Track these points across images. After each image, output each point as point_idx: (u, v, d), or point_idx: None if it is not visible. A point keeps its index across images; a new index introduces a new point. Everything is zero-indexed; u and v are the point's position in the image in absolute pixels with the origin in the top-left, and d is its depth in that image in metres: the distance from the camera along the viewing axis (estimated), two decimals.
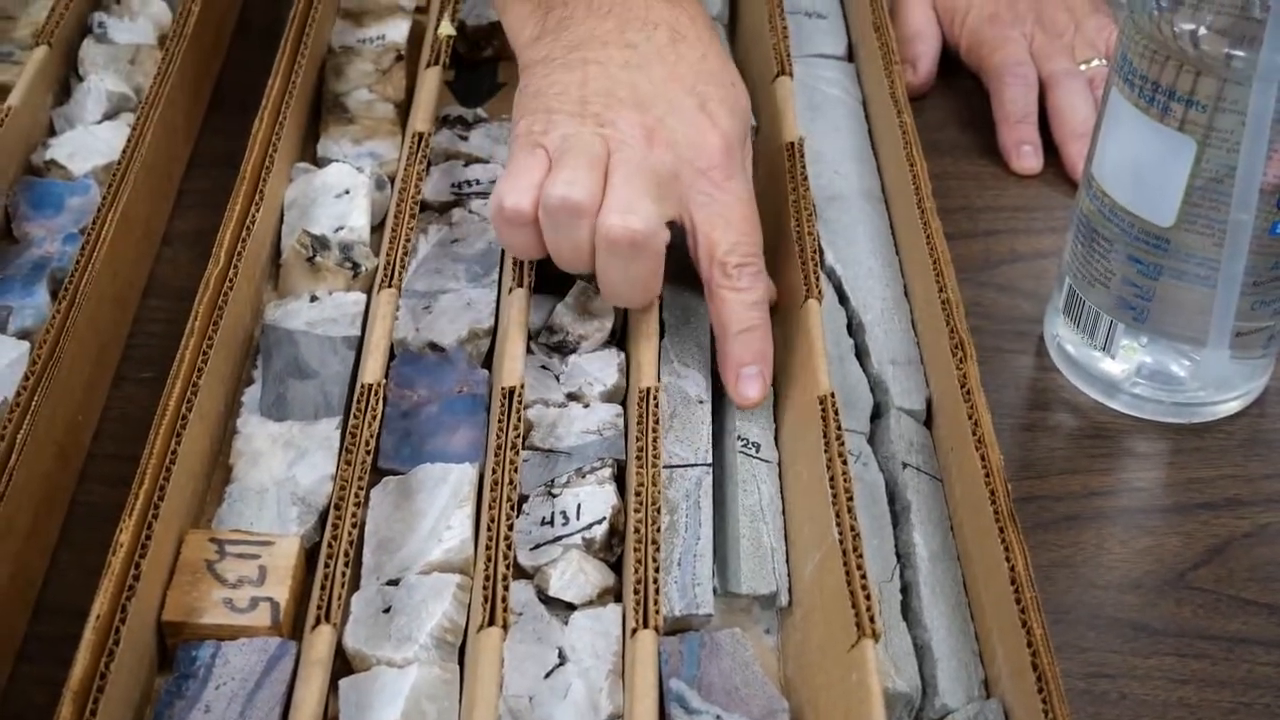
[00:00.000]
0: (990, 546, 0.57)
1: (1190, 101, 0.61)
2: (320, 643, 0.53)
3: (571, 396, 0.66)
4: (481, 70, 0.88)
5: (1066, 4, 0.89)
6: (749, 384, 0.64)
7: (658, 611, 0.54)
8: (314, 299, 0.70)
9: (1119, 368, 0.70)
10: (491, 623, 0.53)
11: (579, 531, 0.60)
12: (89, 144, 0.78)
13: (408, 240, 0.69)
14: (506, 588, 0.54)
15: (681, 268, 0.67)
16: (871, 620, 0.52)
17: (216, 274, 0.66)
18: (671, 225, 0.64)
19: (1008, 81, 0.86)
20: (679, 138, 0.65)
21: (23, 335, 0.68)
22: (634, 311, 0.67)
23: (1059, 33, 0.88)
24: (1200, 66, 0.60)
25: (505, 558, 0.55)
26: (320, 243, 0.72)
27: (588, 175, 0.62)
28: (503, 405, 0.61)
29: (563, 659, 0.56)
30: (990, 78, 0.88)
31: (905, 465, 0.64)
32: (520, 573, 0.59)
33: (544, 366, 0.67)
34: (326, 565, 0.55)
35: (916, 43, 0.90)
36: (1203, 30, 0.60)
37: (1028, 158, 0.84)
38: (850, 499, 0.57)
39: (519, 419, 0.61)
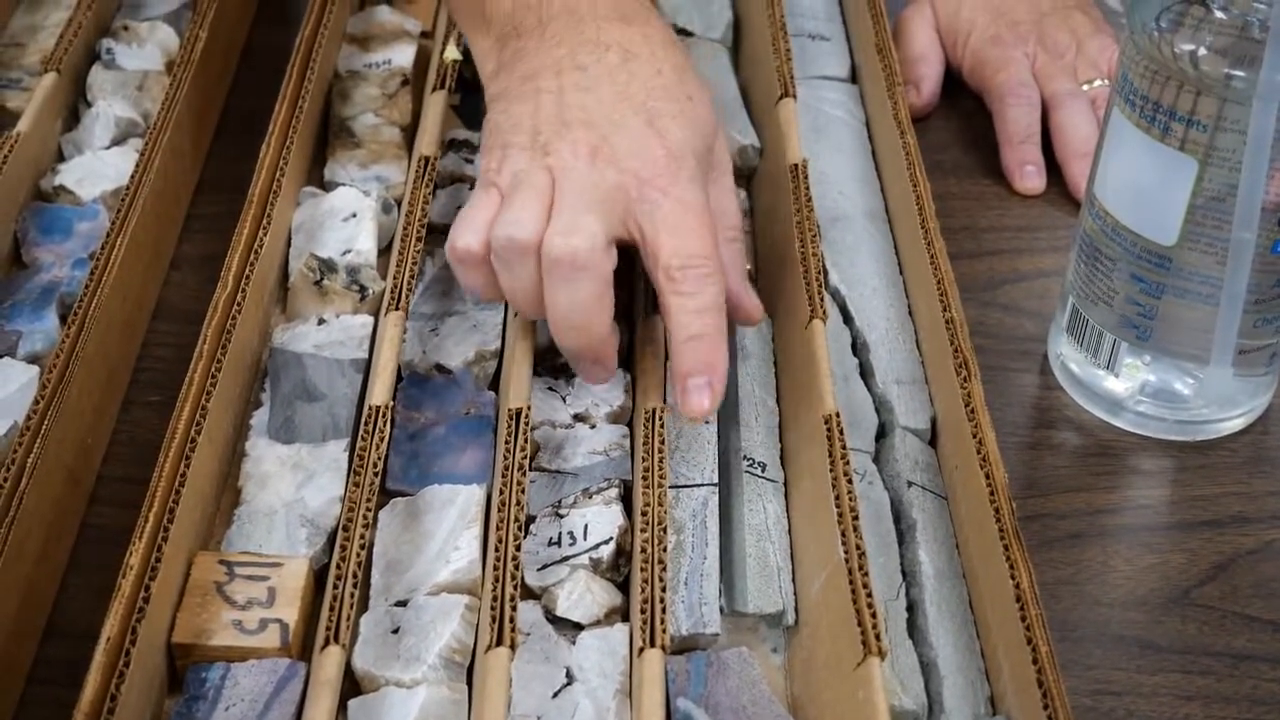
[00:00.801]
0: (995, 564, 0.57)
1: (1191, 121, 0.62)
2: (329, 664, 0.54)
3: (578, 417, 0.66)
4: None
5: (1069, 25, 0.90)
6: (695, 395, 0.61)
7: (665, 631, 0.54)
8: (321, 322, 0.70)
9: (1123, 386, 0.70)
10: (499, 643, 0.54)
11: (586, 552, 0.60)
12: (98, 169, 0.79)
13: (414, 263, 0.70)
14: (514, 608, 0.55)
15: None
16: (878, 638, 0.53)
17: (224, 298, 0.67)
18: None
19: (1010, 102, 0.86)
20: (621, 152, 0.64)
21: (32, 360, 0.68)
22: (640, 333, 0.68)
23: (1060, 53, 0.88)
24: (1200, 86, 0.61)
25: (513, 578, 0.55)
26: (328, 266, 0.72)
27: (532, 212, 0.62)
28: (509, 426, 0.62)
29: (570, 678, 0.56)
30: (993, 99, 0.88)
31: (910, 484, 0.64)
32: (528, 593, 0.59)
33: (550, 388, 0.67)
34: (335, 586, 0.56)
35: (920, 65, 0.91)
36: (1202, 51, 0.61)
37: (1031, 178, 0.84)
38: (856, 518, 0.57)
39: (526, 440, 0.61)
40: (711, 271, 0.62)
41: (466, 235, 0.64)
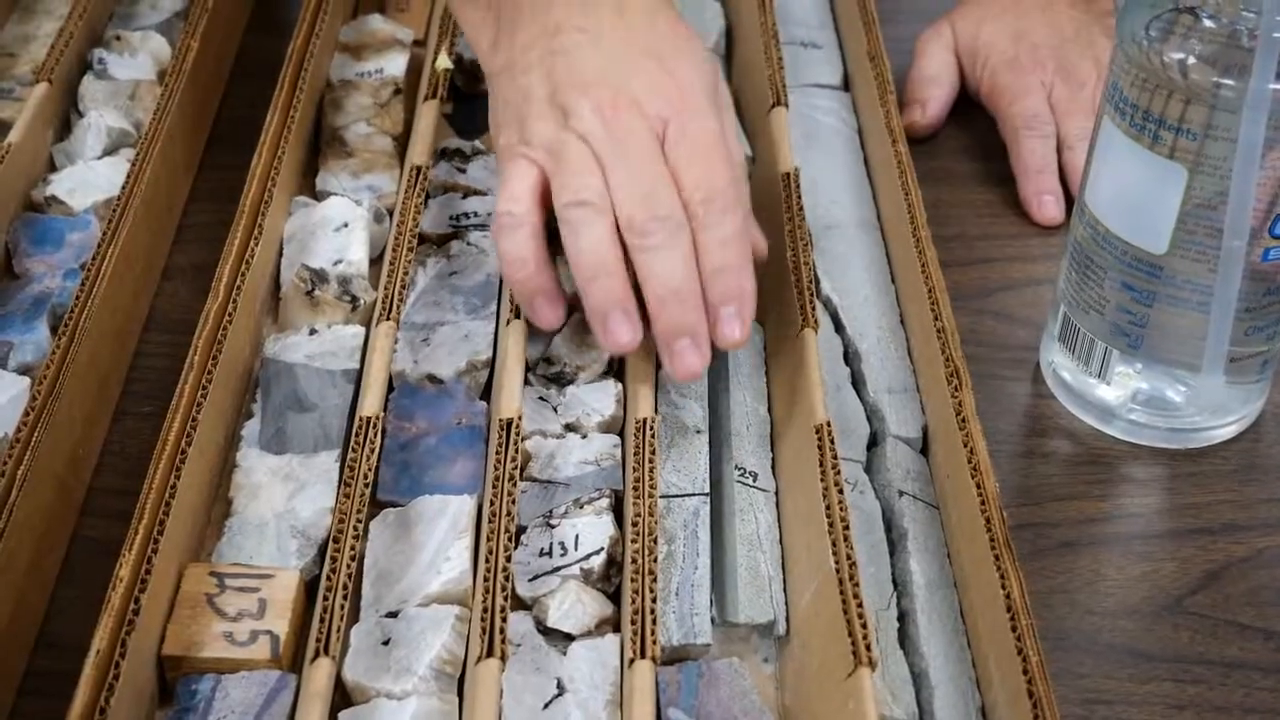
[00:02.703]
0: (986, 573, 0.57)
1: (1180, 129, 0.62)
2: (320, 675, 0.54)
3: (569, 427, 0.66)
4: (479, 103, 0.87)
5: (1092, 52, 0.88)
6: (726, 324, 0.63)
7: (655, 641, 0.54)
8: (313, 332, 0.70)
9: (1115, 394, 0.70)
10: (490, 654, 0.54)
11: (577, 562, 0.60)
12: (89, 180, 0.79)
13: (406, 273, 0.70)
14: (505, 619, 0.55)
15: None
16: (868, 648, 0.53)
17: (216, 308, 0.67)
18: None
19: (1025, 135, 0.85)
20: (640, 95, 0.65)
21: (23, 371, 0.68)
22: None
23: (1081, 82, 0.86)
24: (1190, 95, 0.61)
25: (504, 589, 0.55)
26: (319, 276, 0.72)
27: (591, 175, 0.64)
28: (501, 436, 0.62)
29: (561, 689, 0.56)
30: (1007, 130, 0.87)
31: (902, 493, 0.64)
32: (519, 603, 0.59)
33: (542, 398, 0.67)
34: (326, 598, 0.56)
35: (931, 85, 0.90)
36: (1192, 59, 0.61)
37: (1049, 207, 0.83)
38: (847, 527, 0.57)
39: (517, 450, 0.61)
40: (732, 202, 0.64)
41: (511, 204, 0.65)
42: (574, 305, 0.69)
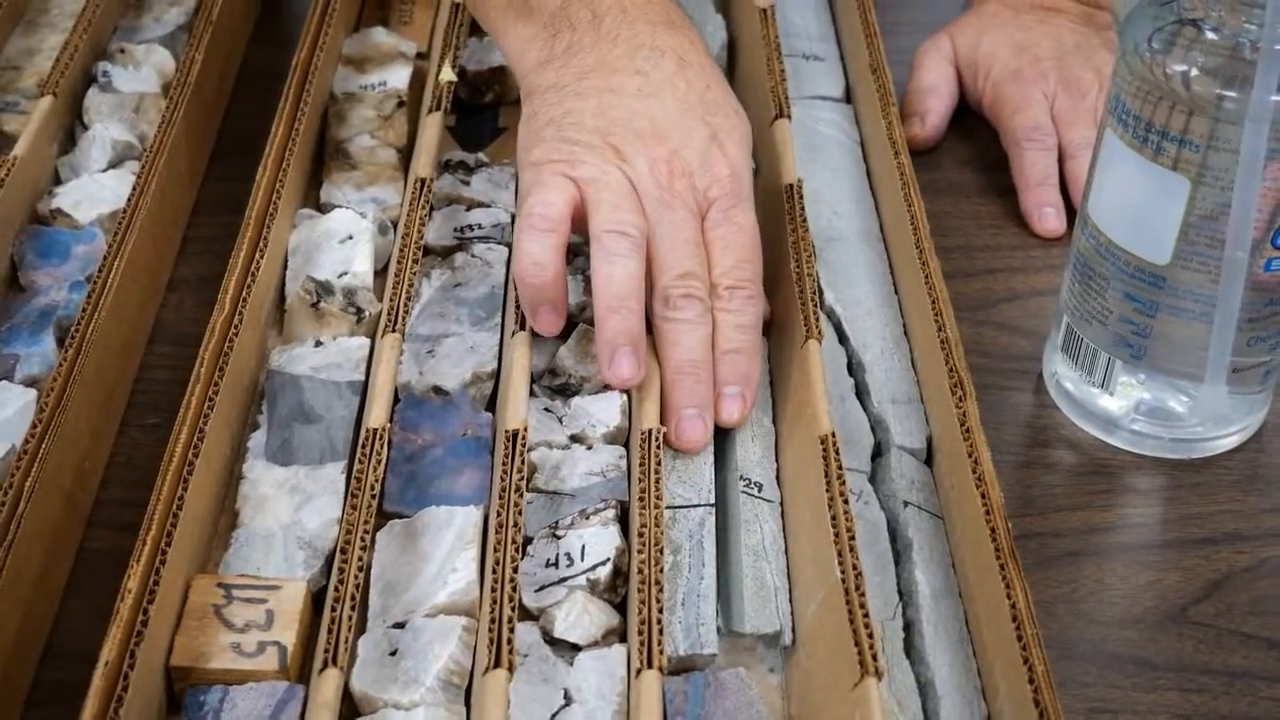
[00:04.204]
0: (991, 583, 0.57)
1: (1183, 141, 0.62)
2: (327, 686, 0.54)
3: (575, 438, 0.66)
4: (483, 115, 0.89)
5: (1093, 62, 0.88)
6: (729, 402, 0.66)
7: (662, 651, 0.54)
8: (318, 344, 0.71)
9: (1118, 404, 0.70)
10: (497, 664, 0.54)
11: (583, 573, 0.60)
12: (94, 192, 0.79)
13: (411, 285, 0.70)
14: (512, 629, 0.55)
15: None
16: (874, 658, 0.53)
17: (221, 320, 0.67)
18: None
19: (1026, 147, 0.85)
20: (694, 167, 0.68)
21: (30, 383, 0.68)
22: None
23: (1083, 93, 0.87)
24: (1192, 107, 0.61)
25: (510, 599, 0.55)
26: (324, 288, 0.72)
27: (634, 213, 0.66)
28: (506, 448, 0.62)
29: (568, 700, 0.56)
30: (1009, 141, 0.87)
31: (906, 504, 0.64)
32: (525, 614, 0.59)
33: (547, 409, 0.68)
34: (333, 609, 0.56)
35: (930, 97, 0.90)
36: (1194, 71, 0.61)
37: (1049, 219, 0.83)
38: (852, 538, 0.57)
39: (523, 461, 0.61)
40: (756, 294, 0.68)
41: (545, 208, 0.66)
42: (573, 321, 0.69)
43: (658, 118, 0.68)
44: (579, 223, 0.67)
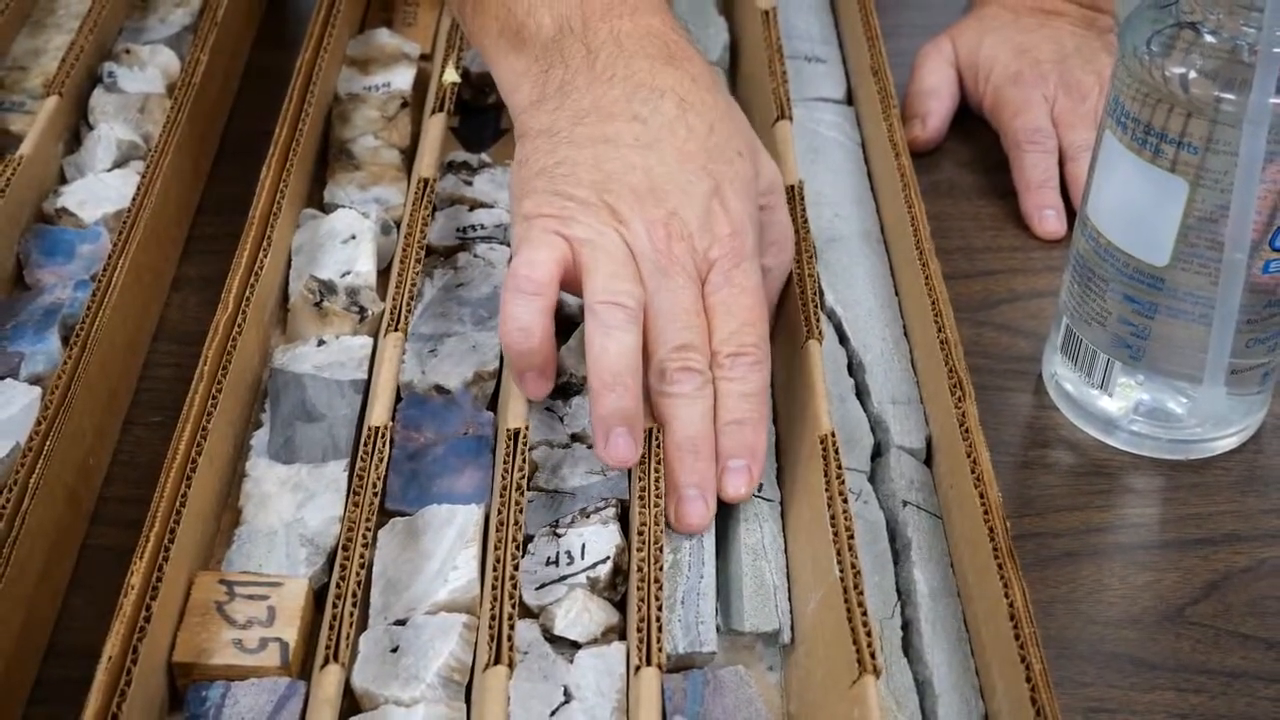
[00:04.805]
0: (990, 582, 0.58)
1: (1182, 143, 0.62)
2: (329, 682, 0.54)
3: (575, 438, 0.67)
4: (486, 116, 0.89)
5: (1094, 65, 0.88)
6: (734, 476, 0.63)
7: (661, 649, 0.55)
8: (321, 343, 0.71)
9: (1117, 405, 0.71)
10: (497, 661, 0.54)
11: (583, 571, 0.60)
12: (99, 192, 0.79)
13: (413, 285, 0.70)
14: (512, 627, 0.55)
15: None
16: (873, 656, 0.53)
17: (225, 319, 0.67)
18: None
19: (1026, 149, 0.86)
20: (692, 228, 0.64)
21: (34, 381, 0.69)
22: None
23: (1083, 96, 0.87)
24: (1191, 109, 0.61)
25: (511, 597, 0.56)
26: (327, 287, 0.73)
27: (632, 282, 0.63)
28: (508, 446, 0.62)
29: (568, 696, 0.57)
30: (1009, 143, 0.87)
31: (906, 503, 0.65)
32: (526, 612, 0.60)
33: (548, 408, 0.68)
34: (335, 606, 0.56)
35: (930, 99, 0.91)
36: (1193, 74, 0.61)
37: (1049, 221, 0.84)
38: (851, 537, 0.57)
39: (524, 460, 0.61)
40: (760, 359, 0.64)
41: (531, 269, 0.62)
42: (574, 321, 0.69)
43: (656, 172, 0.64)
44: (570, 283, 0.64)
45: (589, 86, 0.66)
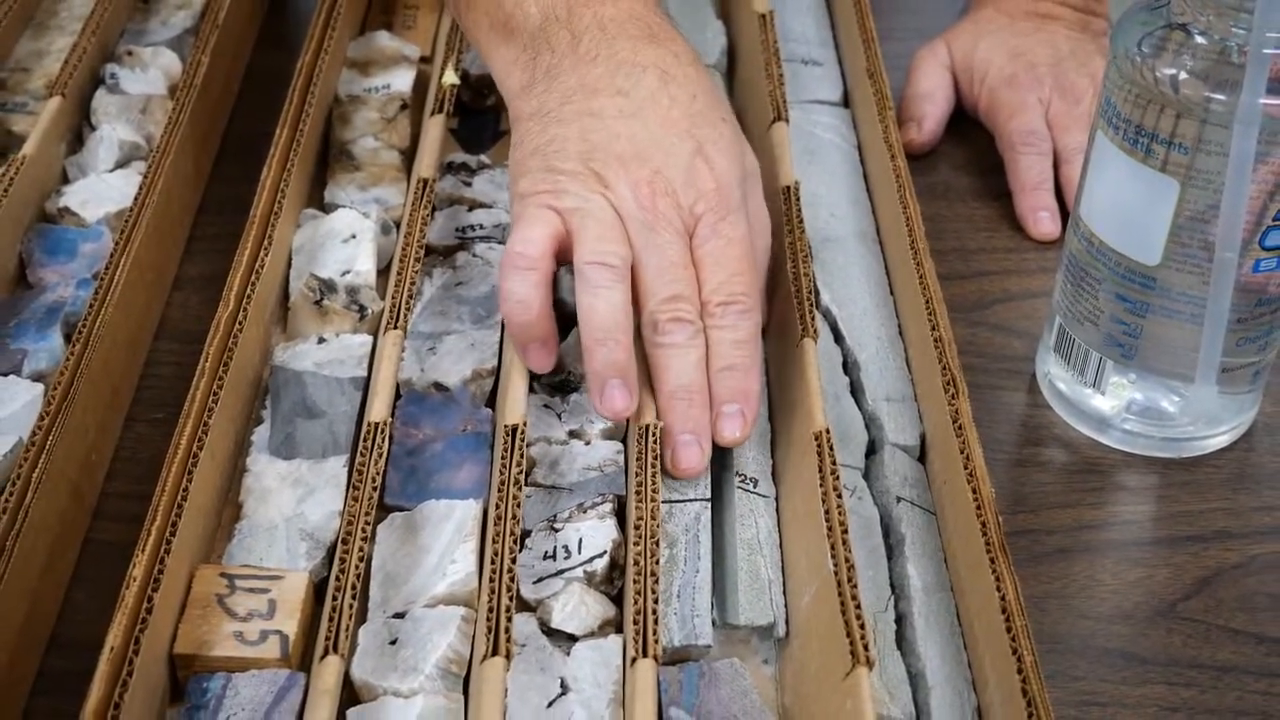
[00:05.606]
0: (982, 577, 0.58)
1: (1172, 144, 0.63)
2: (328, 674, 0.55)
3: (573, 434, 0.67)
4: (484, 118, 0.90)
5: (1089, 69, 0.89)
6: (729, 421, 0.64)
7: (657, 641, 0.55)
8: (321, 341, 0.72)
9: (1109, 404, 0.71)
10: (495, 653, 0.55)
11: (581, 565, 0.61)
12: (101, 191, 0.80)
13: (413, 283, 0.71)
14: (510, 619, 0.56)
15: None
16: (866, 649, 0.54)
17: (226, 317, 0.68)
18: None
19: (1021, 151, 0.86)
20: (677, 184, 0.66)
21: (37, 378, 0.69)
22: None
23: (1078, 99, 0.88)
24: (1181, 110, 0.62)
25: (508, 591, 0.56)
26: (328, 286, 0.73)
27: (618, 242, 0.65)
28: (506, 443, 0.63)
29: (565, 688, 0.57)
30: (1004, 145, 0.88)
31: (899, 499, 0.65)
32: (523, 605, 0.60)
33: (546, 405, 0.68)
34: (334, 599, 0.57)
35: (925, 102, 0.91)
36: (1183, 75, 0.62)
37: (1044, 223, 0.84)
38: (845, 532, 0.58)
39: (522, 456, 0.62)
40: (751, 307, 0.66)
41: (525, 245, 0.65)
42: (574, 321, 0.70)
43: (639, 137, 0.66)
44: (566, 252, 0.66)
45: (574, 68, 0.69)
